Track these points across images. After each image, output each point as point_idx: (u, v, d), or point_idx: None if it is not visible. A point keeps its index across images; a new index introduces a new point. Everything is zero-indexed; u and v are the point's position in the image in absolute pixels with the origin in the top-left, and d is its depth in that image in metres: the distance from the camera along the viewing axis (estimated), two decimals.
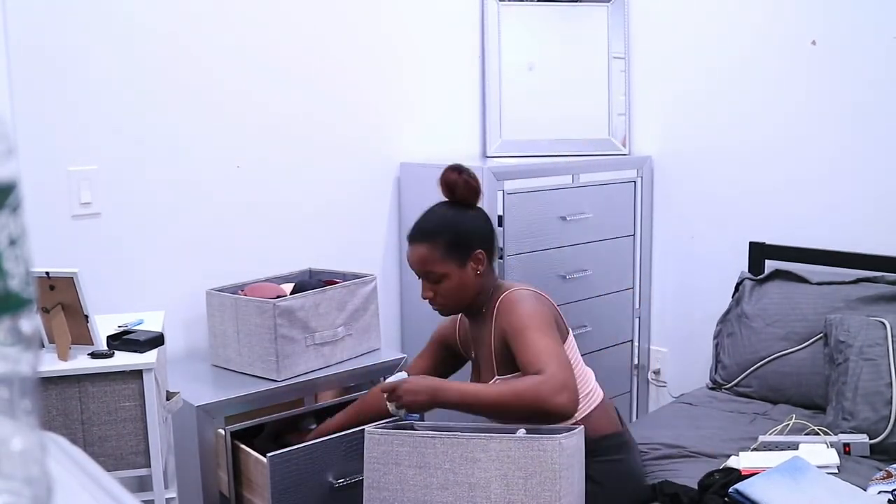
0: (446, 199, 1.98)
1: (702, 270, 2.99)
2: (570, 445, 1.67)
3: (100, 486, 0.61)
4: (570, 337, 1.97)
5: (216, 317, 2.30)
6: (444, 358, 2.16)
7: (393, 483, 1.74)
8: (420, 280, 1.97)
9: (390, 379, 1.93)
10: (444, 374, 2.13)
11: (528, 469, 1.64)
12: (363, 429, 1.86)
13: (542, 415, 1.71)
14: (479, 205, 2.02)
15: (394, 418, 1.95)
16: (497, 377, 1.90)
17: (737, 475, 1.87)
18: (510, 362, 1.86)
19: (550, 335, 1.80)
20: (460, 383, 1.89)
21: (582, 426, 1.74)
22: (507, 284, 1.99)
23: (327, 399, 2.36)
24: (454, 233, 1.92)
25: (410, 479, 1.72)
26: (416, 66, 2.89)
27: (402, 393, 1.80)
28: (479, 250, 1.92)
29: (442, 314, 2.04)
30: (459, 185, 1.95)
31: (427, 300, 1.97)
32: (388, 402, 1.87)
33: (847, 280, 2.51)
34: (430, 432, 1.75)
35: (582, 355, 2.01)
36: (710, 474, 1.90)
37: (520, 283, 2.00)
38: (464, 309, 2.00)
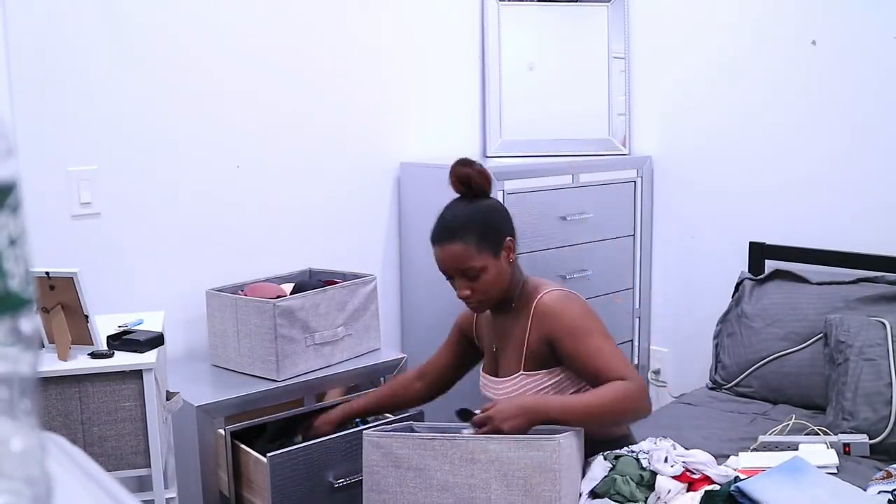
0: (458, 196, 1.93)
1: (702, 270, 2.99)
2: (568, 445, 1.67)
3: (100, 486, 0.61)
4: None
5: (216, 317, 2.31)
6: (465, 349, 2.12)
7: (392, 485, 1.73)
8: (453, 280, 1.90)
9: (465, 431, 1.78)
10: (465, 366, 2.13)
11: (527, 470, 1.64)
12: (362, 429, 1.86)
13: (632, 420, 1.80)
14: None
15: (394, 420, 1.95)
16: (522, 373, 1.88)
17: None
18: (541, 361, 1.85)
19: (611, 340, 1.82)
20: (553, 397, 1.82)
21: (581, 428, 1.75)
22: (536, 280, 1.95)
23: (331, 398, 2.36)
24: (483, 224, 1.87)
25: (410, 481, 1.72)
26: (416, 66, 2.89)
27: (499, 422, 1.70)
28: (509, 237, 1.89)
29: (478, 311, 1.99)
30: (474, 177, 1.89)
31: (463, 299, 1.90)
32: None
33: (847, 280, 2.51)
34: (429, 434, 1.75)
35: None
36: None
37: (547, 281, 1.96)
38: (500, 300, 1.92)
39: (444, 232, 1.88)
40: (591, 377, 1.78)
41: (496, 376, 1.96)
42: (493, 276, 1.85)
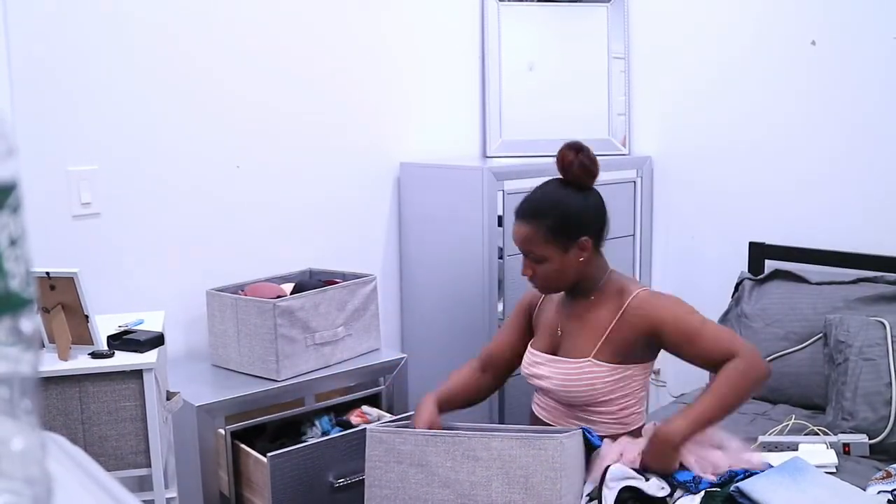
0: (560, 178, 1.89)
1: (702, 270, 2.99)
2: (570, 445, 1.67)
3: (100, 485, 0.61)
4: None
5: (216, 317, 2.30)
6: (526, 328, 2.07)
7: (394, 481, 1.73)
8: (522, 256, 1.91)
9: None
10: (525, 345, 2.02)
11: (529, 468, 1.64)
12: (364, 428, 1.85)
13: (759, 389, 1.84)
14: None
15: (395, 418, 1.94)
16: (591, 359, 1.84)
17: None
18: (618, 354, 1.83)
19: (709, 321, 1.87)
20: (686, 414, 1.76)
21: (579, 429, 1.74)
22: (624, 277, 1.95)
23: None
24: (561, 216, 1.83)
25: (412, 478, 1.72)
26: (416, 66, 2.89)
27: (655, 467, 1.71)
28: (585, 237, 1.85)
29: (541, 293, 1.99)
30: (574, 166, 1.85)
31: (527, 277, 1.91)
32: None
33: (846, 280, 2.51)
34: (432, 431, 1.75)
35: None
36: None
37: (634, 279, 1.97)
38: (564, 289, 1.94)
39: (523, 209, 1.89)
40: (702, 360, 1.82)
41: (555, 355, 1.92)
42: (555, 268, 1.85)
